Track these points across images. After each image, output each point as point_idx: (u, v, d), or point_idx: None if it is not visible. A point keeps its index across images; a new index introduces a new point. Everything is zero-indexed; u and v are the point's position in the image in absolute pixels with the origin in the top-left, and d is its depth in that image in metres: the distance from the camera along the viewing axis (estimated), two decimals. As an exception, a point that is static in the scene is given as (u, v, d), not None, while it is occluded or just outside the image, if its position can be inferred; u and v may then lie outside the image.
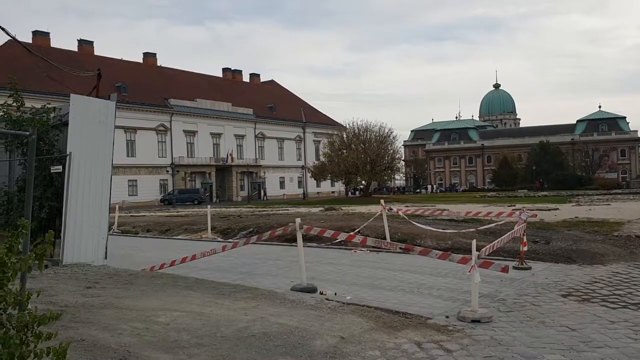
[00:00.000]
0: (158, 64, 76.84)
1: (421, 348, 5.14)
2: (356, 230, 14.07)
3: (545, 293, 7.95)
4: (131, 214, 32.46)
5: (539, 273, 9.64)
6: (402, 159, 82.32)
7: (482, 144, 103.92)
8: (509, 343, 5.44)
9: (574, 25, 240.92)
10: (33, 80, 48.71)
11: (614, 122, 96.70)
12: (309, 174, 74.67)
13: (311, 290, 8.07)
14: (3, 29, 10.11)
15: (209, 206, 24.63)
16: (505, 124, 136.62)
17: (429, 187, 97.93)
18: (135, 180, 63.80)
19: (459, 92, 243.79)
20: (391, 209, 16.53)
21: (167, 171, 67.57)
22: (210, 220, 19.29)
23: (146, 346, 4.65)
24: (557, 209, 25.80)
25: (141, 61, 75.31)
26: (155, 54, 77.47)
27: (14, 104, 11.21)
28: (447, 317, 6.48)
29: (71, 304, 6.23)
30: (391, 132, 63.21)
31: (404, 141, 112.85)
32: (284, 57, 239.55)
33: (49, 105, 11.68)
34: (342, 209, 30.44)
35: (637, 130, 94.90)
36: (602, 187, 66.49)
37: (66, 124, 10.45)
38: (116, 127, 11.18)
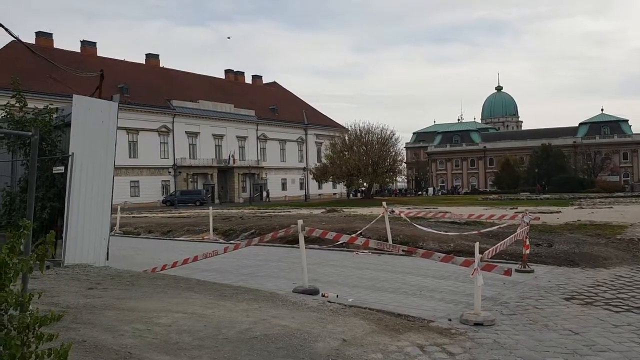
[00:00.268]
0: (160, 65, 76.86)
1: (424, 351, 5.12)
2: (358, 233, 14.07)
3: (548, 296, 7.92)
4: (133, 215, 32.49)
5: (541, 276, 9.61)
6: (404, 161, 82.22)
7: (484, 147, 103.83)
8: (511, 346, 5.41)
9: (577, 27, 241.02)
10: (36, 80, 48.75)
11: (617, 125, 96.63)
12: (310, 176, 74.66)
13: (313, 292, 8.05)
14: (6, 30, 10.10)
15: (210, 207, 24.63)
16: (507, 126, 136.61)
17: (430, 189, 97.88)
18: (137, 181, 63.83)
19: (461, 94, 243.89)
20: (393, 211, 16.51)
21: (169, 172, 67.58)
22: (212, 221, 19.29)
23: (147, 348, 4.64)
24: (560, 211, 25.75)
25: (144, 62, 75.35)
26: (157, 55, 77.51)
27: (17, 105, 11.22)
28: (449, 320, 6.45)
29: (73, 305, 6.22)
30: (393, 134, 63.33)
31: (406, 143, 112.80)
32: (286, 58, 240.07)
33: (52, 106, 11.69)
34: (343, 211, 30.43)
35: (639, 134, 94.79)
36: (604, 190, 66.40)
37: (68, 124, 10.46)
38: (118, 128, 11.17)
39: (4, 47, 56.37)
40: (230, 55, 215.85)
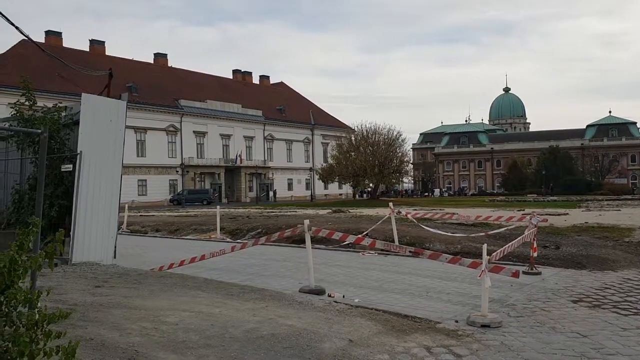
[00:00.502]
0: (169, 65, 77.15)
1: (430, 352, 5.10)
2: (364, 233, 14.05)
3: (556, 299, 7.88)
4: (140, 214, 32.60)
5: (549, 278, 9.56)
6: (411, 162, 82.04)
7: (492, 148, 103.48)
8: (519, 348, 5.39)
9: (585, 28, 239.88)
10: (45, 79, 49.09)
11: (625, 128, 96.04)
12: (316, 176, 74.67)
13: (319, 292, 8.04)
14: (17, 28, 10.18)
15: (218, 207, 24.69)
16: (515, 127, 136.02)
17: (437, 190, 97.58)
18: (145, 180, 64.08)
19: (469, 95, 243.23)
20: (400, 212, 16.48)
21: (177, 171, 67.79)
22: (219, 220, 19.33)
23: (154, 346, 4.65)
24: (567, 214, 25.61)
25: (152, 61, 75.66)
26: (166, 54, 77.83)
27: (27, 103, 11.30)
28: (456, 321, 6.42)
29: (80, 302, 6.24)
30: (400, 135, 63.06)
31: (413, 144, 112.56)
32: (294, 58, 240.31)
33: (61, 104, 11.76)
34: (349, 212, 30.41)
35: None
36: (612, 193, 65.91)
37: (77, 123, 10.51)
38: (126, 127, 11.23)
39: (15, 45, 56.83)
40: (238, 55, 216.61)
